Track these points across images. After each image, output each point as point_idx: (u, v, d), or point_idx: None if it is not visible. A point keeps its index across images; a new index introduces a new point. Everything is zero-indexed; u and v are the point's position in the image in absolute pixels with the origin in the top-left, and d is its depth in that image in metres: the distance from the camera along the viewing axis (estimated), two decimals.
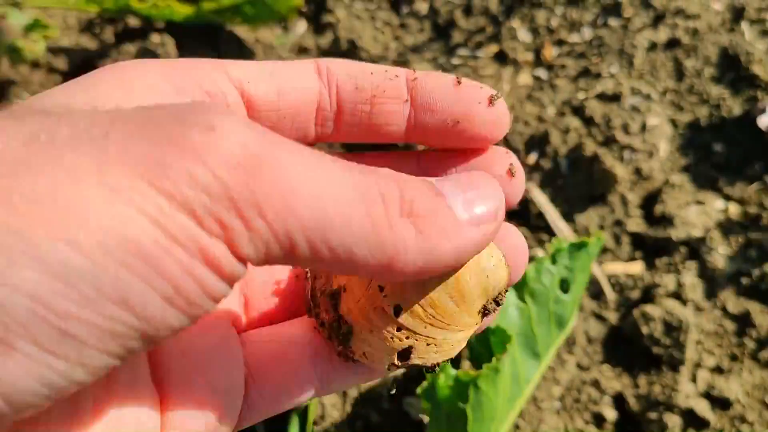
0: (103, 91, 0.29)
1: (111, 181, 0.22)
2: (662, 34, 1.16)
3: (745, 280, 1.02)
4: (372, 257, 0.27)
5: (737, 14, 1.20)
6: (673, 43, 1.17)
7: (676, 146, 1.12)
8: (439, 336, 0.39)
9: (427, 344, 0.39)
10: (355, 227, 0.26)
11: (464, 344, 0.40)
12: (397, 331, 0.38)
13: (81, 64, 1.16)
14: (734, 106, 1.14)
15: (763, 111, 1.10)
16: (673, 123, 1.13)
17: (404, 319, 0.37)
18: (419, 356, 0.38)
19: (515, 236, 0.37)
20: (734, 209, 1.09)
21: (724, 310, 1.00)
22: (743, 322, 0.99)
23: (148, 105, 0.26)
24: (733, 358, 0.97)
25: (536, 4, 1.20)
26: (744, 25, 1.19)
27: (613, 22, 1.18)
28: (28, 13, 1.15)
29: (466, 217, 0.31)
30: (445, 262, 0.30)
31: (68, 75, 1.16)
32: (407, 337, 0.38)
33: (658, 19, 1.18)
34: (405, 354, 0.38)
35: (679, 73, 1.15)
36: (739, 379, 0.95)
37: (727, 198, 1.10)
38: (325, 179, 0.26)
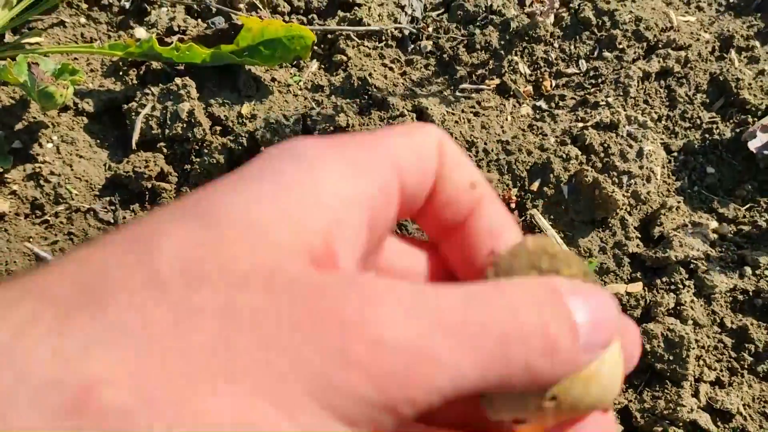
0: (292, 197, 0.29)
1: (286, 400, 0.23)
2: (655, 64, 1.23)
3: (740, 297, 1.07)
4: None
5: (726, 43, 1.26)
6: (665, 73, 1.23)
7: (671, 170, 1.18)
8: None
9: None
10: (490, 378, 0.27)
11: None
12: None
13: (106, 106, 1.23)
14: (725, 131, 1.20)
15: (753, 134, 1.16)
16: (668, 148, 1.19)
17: None
18: None
19: (633, 333, 0.35)
20: (728, 229, 1.15)
21: (721, 326, 1.05)
22: (741, 337, 1.04)
23: (314, 285, 0.26)
24: (733, 372, 1.03)
25: (535, 39, 1.27)
26: (733, 54, 1.25)
27: (608, 53, 1.25)
28: (54, 59, 1.22)
29: (583, 343, 0.29)
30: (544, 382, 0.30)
31: (94, 117, 1.22)
32: None
33: (650, 50, 1.25)
34: None
35: (672, 101, 1.22)
36: (739, 392, 1.01)
37: (721, 218, 1.16)
38: (466, 346, 0.26)
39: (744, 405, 1.00)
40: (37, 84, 1.08)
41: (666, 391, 1.00)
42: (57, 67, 1.15)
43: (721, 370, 1.03)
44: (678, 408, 0.97)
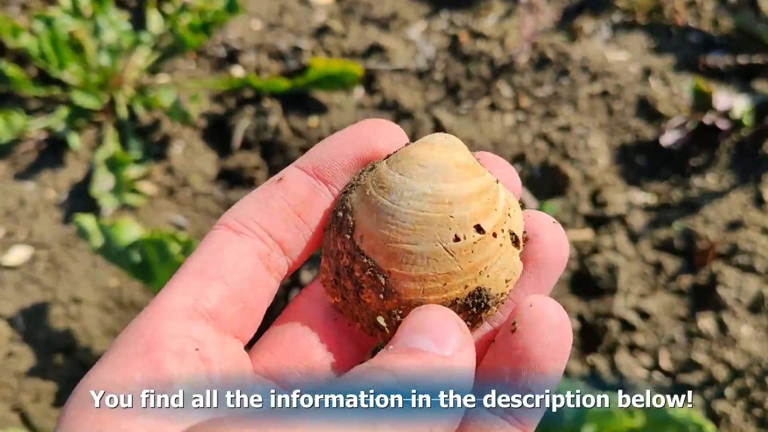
0: None
1: None
2: (597, 87, 1.77)
3: (656, 241, 1.58)
4: None
5: (647, 73, 1.80)
6: (604, 93, 1.77)
7: (611, 159, 1.70)
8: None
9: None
10: None
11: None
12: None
13: (215, 122, 1.75)
14: (647, 132, 1.73)
15: (663, 134, 1.69)
16: (608, 144, 1.72)
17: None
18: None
19: (507, 168, 0.46)
20: (650, 198, 1.66)
21: (644, 259, 1.56)
22: (657, 266, 1.55)
23: None
24: (652, 288, 1.53)
25: (513, 71, 1.81)
26: (651, 80, 1.79)
27: (564, 81, 1.79)
28: (178, 91, 1.74)
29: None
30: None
31: (207, 129, 1.74)
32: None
33: (593, 78, 1.79)
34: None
35: (610, 112, 1.75)
36: (655, 301, 1.50)
37: (645, 191, 1.67)
38: None
39: (658, 308, 1.50)
40: (179, 106, 1.60)
41: (606, 300, 1.50)
42: (192, 95, 1.67)
43: (644, 287, 1.53)
44: (614, 309, 1.47)
